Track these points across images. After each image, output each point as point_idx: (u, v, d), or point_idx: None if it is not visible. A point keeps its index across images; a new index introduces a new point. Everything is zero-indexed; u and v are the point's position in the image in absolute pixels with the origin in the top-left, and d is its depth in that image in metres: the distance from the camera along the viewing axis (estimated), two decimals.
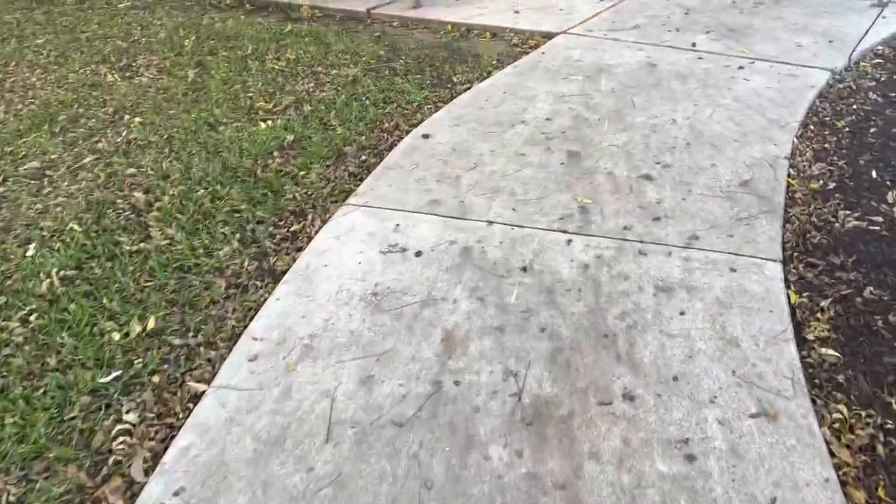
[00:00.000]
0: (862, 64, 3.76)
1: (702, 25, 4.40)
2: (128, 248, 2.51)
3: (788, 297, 2.11)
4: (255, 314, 2.16)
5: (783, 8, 4.67)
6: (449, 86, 3.82)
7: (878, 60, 3.81)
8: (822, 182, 2.73)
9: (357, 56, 4.28)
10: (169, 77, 4.07)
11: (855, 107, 3.30)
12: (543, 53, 4.10)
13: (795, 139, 3.01)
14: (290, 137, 3.27)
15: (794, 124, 3.11)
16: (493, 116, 3.35)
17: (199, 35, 4.74)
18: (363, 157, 3.11)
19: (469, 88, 3.72)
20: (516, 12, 4.90)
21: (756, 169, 2.79)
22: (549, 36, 4.42)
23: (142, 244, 2.53)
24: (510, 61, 4.09)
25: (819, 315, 2.07)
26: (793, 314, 2.06)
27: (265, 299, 2.23)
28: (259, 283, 2.34)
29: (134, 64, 4.33)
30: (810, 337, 1.99)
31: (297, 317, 2.14)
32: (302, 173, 2.97)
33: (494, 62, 4.11)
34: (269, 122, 3.42)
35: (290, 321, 2.13)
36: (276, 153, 3.15)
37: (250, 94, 3.77)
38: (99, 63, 4.34)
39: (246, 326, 2.12)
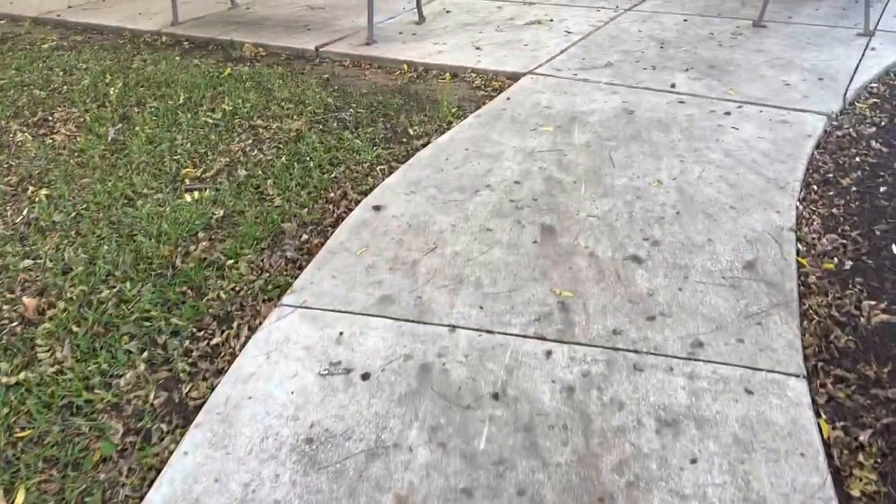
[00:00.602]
0: (858, 105, 3.43)
1: (679, 62, 4.05)
2: (4, 380, 2.02)
3: (820, 430, 1.72)
4: (157, 476, 1.70)
5: (764, 39, 4.35)
6: (404, 140, 3.40)
7: (874, 100, 3.49)
8: (836, 260, 2.35)
9: (302, 105, 3.83)
10: (87, 135, 3.58)
11: (858, 159, 2.96)
12: (509, 99, 3.70)
13: (799, 204, 2.64)
14: (220, 213, 2.81)
15: (795, 184, 2.75)
16: (455, 180, 2.94)
17: (126, 81, 4.25)
18: (304, 237, 2.67)
19: (427, 144, 3.30)
20: (478, 48, 4.50)
21: (759, 245, 2.41)
22: (514, 77, 4.03)
23: (23, 373, 2.05)
24: (472, 108, 3.69)
25: (860, 456, 1.67)
26: (829, 456, 1.67)
27: (171, 451, 1.77)
28: (165, 427, 1.87)
29: (50, 118, 3.83)
30: (855, 493, 1.59)
31: (210, 481, 1.68)
32: (230, 262, 2.51)
33: (455, 109, 3.70)
34: (197, 194, 2.96)
35: (199, 489, 1.67)
36: (201, 234, 2.69)
37: (178, 157, 3.29)
38: (10, 118, 3.84)
39: (142, 498, 1.65)
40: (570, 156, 3.08)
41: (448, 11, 5.43)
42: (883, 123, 3.24)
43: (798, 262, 2.33)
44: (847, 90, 3.52)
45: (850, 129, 3.18)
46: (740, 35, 4.45)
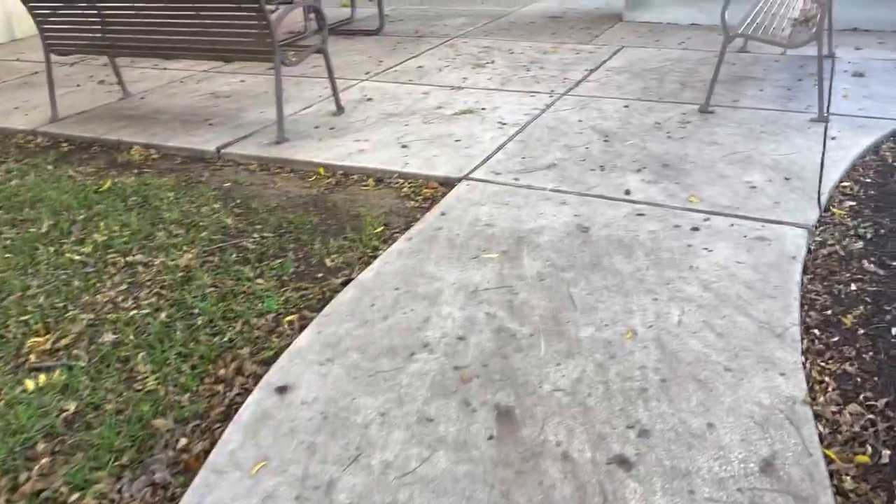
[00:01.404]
0: (835, 211, 3.05)
1: (629, 159, 3.63)
2: None
3: None
4: None
5: (715, 128, 4.00)
6: (320, 276, 2.80)
7: (850, 203, 3.12)
8: (869, 448, 1.87)
9: (195, 229, 3.20)
10: None
11: (855, 287, 2.53)
12: (444, 214, 3.16)
13: (804, 359, 2.17)
14: (71, 407, 2.13)
15: (794, 329, 2.29)
16: (383, 337, 2.35)
17: None
18: (182, 442, 2.01)
19: (348, 281, 2.71)
20: (404, 146, 3.99)
21: (773, 431, 1.90)
22: (447, 183, 3.52)
23: None
24: (402, 226, 3.14)
25: None
26: None
27: None
28: None
29: None
30: None
31: None
32: (73, 499, 1.83)
33: (381, 229, 3.13)
34: (43, 377, 2.26)
35: None
36: (40, 447, 2.00)
37: (27, 317, 2.59)
38: None
39: None
40: (522, 294, 2.54)
41: (369, 99, 4.92)
42: (869, 235, 2.85)
43: (825, 454, 1.83)
44: (819, 192, 3.15)
45: (836, 246, 2.77)
46: (688, 123, 4.09)
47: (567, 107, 4.52)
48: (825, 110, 4.03)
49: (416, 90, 5.08)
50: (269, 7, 6.47)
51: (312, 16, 7.18)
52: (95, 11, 4.32)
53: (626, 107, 4.45)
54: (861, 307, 2.42)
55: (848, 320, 2.36)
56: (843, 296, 2.49)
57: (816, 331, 2.31)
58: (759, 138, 3.81)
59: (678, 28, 6.63)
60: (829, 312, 2.41)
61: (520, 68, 5.51)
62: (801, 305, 2.43)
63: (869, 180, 3.35)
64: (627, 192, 3.25)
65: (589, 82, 5.05)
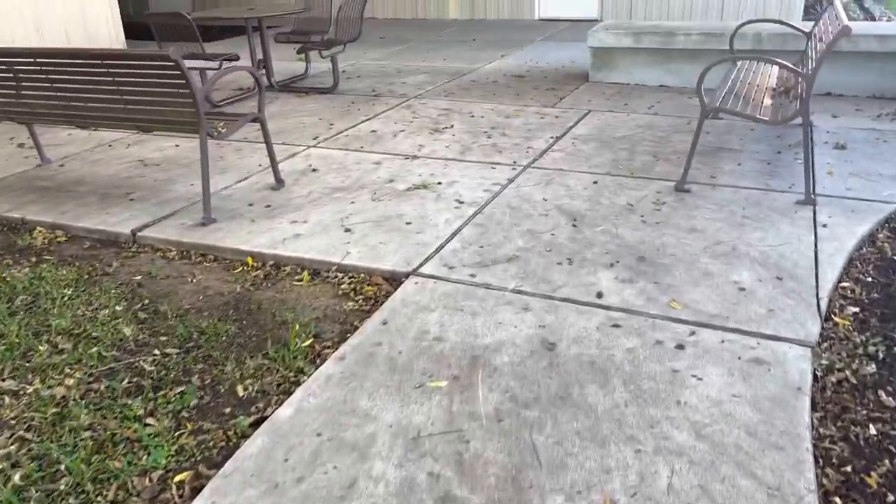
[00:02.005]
0: (840, 322, 2.65)
1: (600, 250, 3.21)
2: None
3: None
4: None
5: (693, 211, 3.62)
6: (227, 412, 2.28)
7: (854, 309, 2.72)
8: None
9: (86, 342, 2.66)
10: None
11: (874, 431, 2.10)
12: (385, 324, 2.68)
13: None
14: None
15: (811, 499, 1.83)
16: None
17: None
18: None
19: (261, 420, 2.20)
20: (347, 230, 3.52)
21: None
22: (393, 279, 3.05)
23: None
24: (335, 338, 2.64)
25: None
26: None
27: None
28: None
29: None
30: None
31: None
32: None
33: (310, 342, 2.63)
34: None
35: None
36: None
37: None
38: None
39: None
40: (475, 443, 2.05)
41: (314, 170, 4.46)
42: (881, 355, 2.44)
43: None
44: (818, 298, 2.75)
45: (846, 371, 2.35)
46: (664, 204, 3.71)
47: (531, 182, 4.11)
48: (811, 191, 3.68)
49: (367, 159, 4.64)
50: (210, 65, 6.04)
51: (263, 70, 6.77)
52: (11, 74, 3.82)
53: (595, 183, 4.06)
54: (886, 460, 1.99)
55: (872, 481, 1.92)
56: (862, 443, 2.05)
57: (838, 500, 1.86)
58: (743, 224, 3.43)
59: (647, 90, 6.35)
60: (848, 469, 1.96)
61: (480, 134, 5.12)
62: (816, 459, 1.98)
63: (870, 279, 2.96)
64: (599, 295, 2.81)
65: (554, 152, 4.67)
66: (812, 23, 5.71)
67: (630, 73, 6.63)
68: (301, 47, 6.38)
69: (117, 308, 2.91)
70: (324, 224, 3.61)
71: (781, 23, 5.28)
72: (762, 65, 4.99)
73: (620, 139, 4.89)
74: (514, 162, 4.49)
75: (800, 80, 3.96)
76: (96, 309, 2.91)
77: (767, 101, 4.07)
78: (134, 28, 11.96)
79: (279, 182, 4.16)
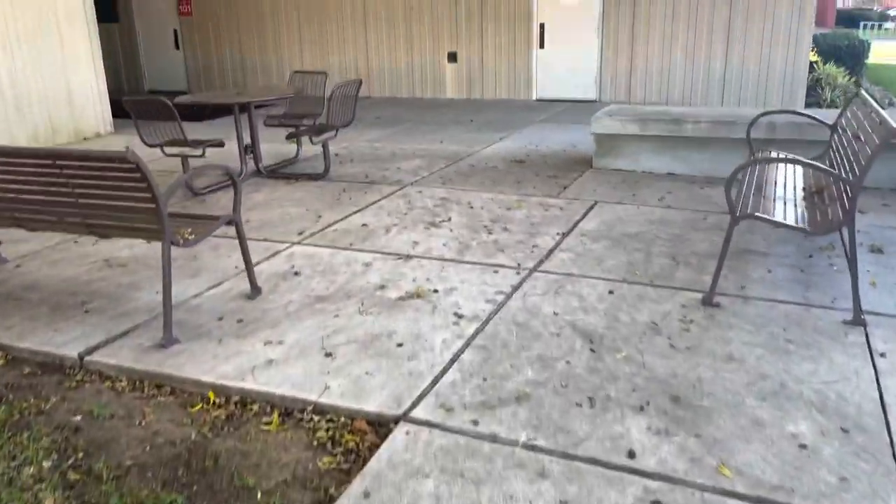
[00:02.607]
0: None
1: (626, 385, 2.73)
2: None
3: None
4: None
5: (727, 332, 3.16)
6: None
7: None
8: None
9: None
10: None
11: None
12: (368, 497, 2.17)
13: None
14: None
15: None
16: None
17: None
18: None
19: None
20: (328, 354, 3.04)
21: None
22: (379, 424, 2.55)
23: None
24: None
25: None
26: None
27: None
28: None
29: None
30: None
31: None
32: None
33: None
34: None
35: None
36: None
37: None
38: None
39: None
40: None
41: (297, 273, 4.02)
42: None
43: None
44: None
45: None
46: (692, 323, 3.25)
47: (538, 290, 3.66)
48: (859, 309, 3.24)
49: (356, 259, 4.21)
50: (193, 152, 5.67)
51: (251, 155, 6.42)
52: None
53: (611, 293, 3.61)
54: None
55: None
56: None
57: None
58: (788, 352, 2.96)
59: (654, 178, 6.00)
60: None
61: (480, 229, 4.72)
62: None
63: None
64: (632, 455, 2.31)
65: (562, 252, 4.24)
66: (820, 107, 5.42)
67: (636, 160, 6.31)
68: (290, 133, 6.05)
69: (44, 464, 2.40)
70: (302, 346, 3.13)
71: (802, 114, 4.95)
72: (783, 156, 4.63)
73: (633, 237, 4.48)
74: (519, 264, 4.05)
75: (840, 183, 3.57)
76: (20, 465, 2.39)
77: (801, 204, 3.67)
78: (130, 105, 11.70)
79: (255, 290, 3.71)
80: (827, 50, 12.73)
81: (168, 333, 3.16)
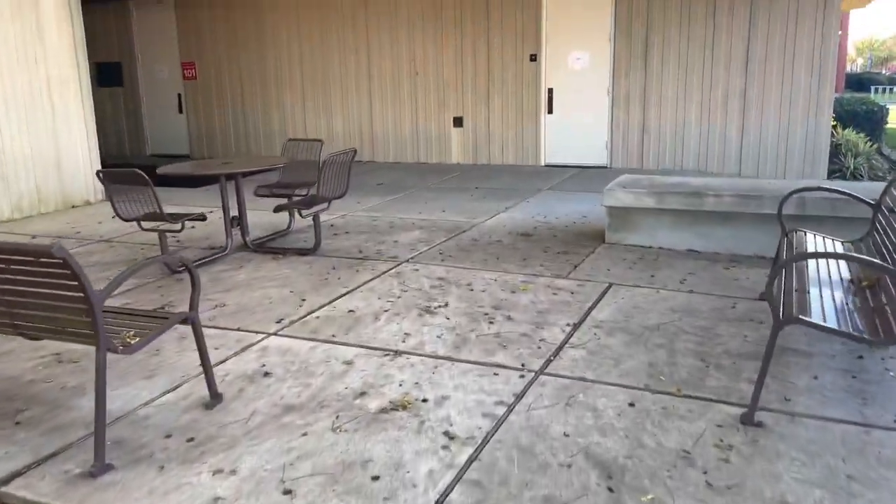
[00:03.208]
0: None
1: None
2: None
3: None
4: None
5: (774, 465, 2.60)
6: None
7: None
8: None
9: None
10: None
11: None
12: None
13: None
14: None
15: None
16: None
17: None
18: None
19: None
20: (287, 492, 2.49)
21: None
22: None
23: None
24: None
25: None
26: None
27: None
28: None
29: None
30: None
31: None
32: None
33: None
34: None
35: None
36: None
37: None
38: None
39: None
40: None
41: (267, 374, 3.50)
42: None
43: None
44: None
45: None
46: (732, 450, 2.70)
47: (546, 400, 3.12)
48: None
49: (337, 356, 3.69)
50: (173, 227, 5.23)
51: (237, 228, 6.00)
52: None
53: (631, 405, 3.06)
54: None
55: None
56: None
57: None
58: (853, 494, 2.39)
59: (674, 256, 5.51)
60: None
61: (481, 317, 4.21)
62: None
63: None
64: None
65: (573, 348, 3.72)
66: (843, 176, 4.94)
67: (653, 236, 5.82)
68: (278, 206, 5.63)
69: None
70: (258, 478, 2.58)
71: (840, 192, 4.46)
72: (821, 240, 4.14)
73: (654, 330, 3.95)
74: (523, 365, 3.52)
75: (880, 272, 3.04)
76: None
77: (852, 302, 3.15)
78: (140, 169, 11.26)
79: (215, 397, 3.19)
80: (843, 115, 12.39)
81: (99, 459, 2.64)
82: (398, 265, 5.41)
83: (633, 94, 9.97)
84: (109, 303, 4.50)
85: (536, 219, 7.02)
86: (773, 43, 9.12)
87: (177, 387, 3.38)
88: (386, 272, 5.23)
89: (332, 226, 6.91)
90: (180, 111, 13.08)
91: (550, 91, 10.43)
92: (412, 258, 5.61)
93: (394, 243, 6.12)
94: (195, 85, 12.82)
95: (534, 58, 10.37)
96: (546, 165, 10.65)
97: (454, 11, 10.70)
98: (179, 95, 12.99)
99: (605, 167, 10.27)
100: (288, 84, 12.09)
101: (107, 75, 13.54)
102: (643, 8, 9.65)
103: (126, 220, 5.21)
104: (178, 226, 5.15)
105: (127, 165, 11.99)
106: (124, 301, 4.67)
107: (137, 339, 2.81)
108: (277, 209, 5.64)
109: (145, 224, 5.24)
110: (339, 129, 11.87)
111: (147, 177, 4.89)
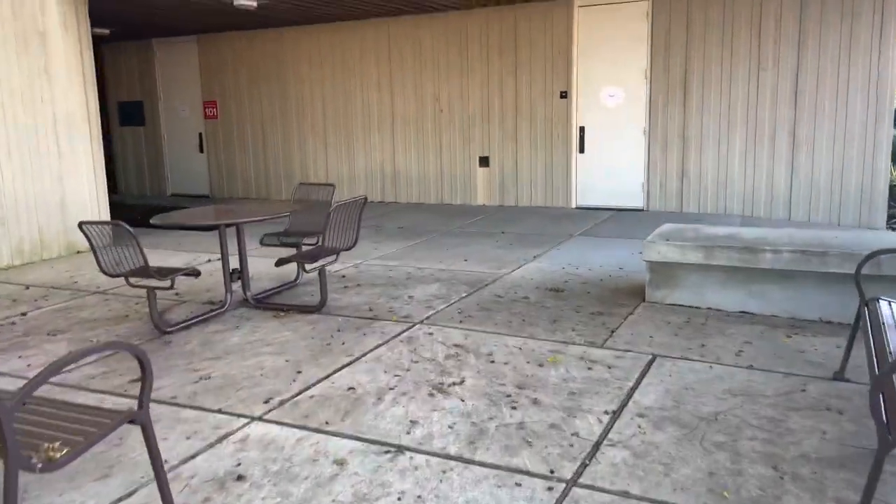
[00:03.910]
0: None
1: None
2: None
3: None
4: None
5: None
6: None
7: None
8: None
9: None
10: None
11: None
12: None
13: None
14: None
15: None
16: None
17: None
18: None
19: None
20: None
21: None
22: None
23: None
24: None
25: None
26: None
27: None
28: None
29: None
30: None
31: None
32: None
33: None
34: None
35: None
36: None
37: None
38: None
39: None
40: None
41: (240, 477, 2.90)
42: None
43: None
44: None
45: None
46: None
47: None
48: None
49: (327, 452, 3.08)
50: (161, 284, 4.65)
51: (239, 283, 5.48)
52: None
53: None
54: None
55: None
56: None
57: None
58: None
59: (725, 319, 4.82)
60: None
61: (501, 400, 3.57)
62: None
63: None
64: None
65: (612, 447, 3.06)
66: None
67: (700, 294, 5.15)
68: (280, 260, 5.10)
69: None
70: None
71: None
72: None
73: (711, 422, 3.27)
74: (552, 471, 2.87)
75: None
76: None
77: None
78: (152, 211, 10.53)
79: None
80: None
81: None
82: (411, 327, 4.82)
83: (671, 132, 9.34)
84: (64, 378, 3.98)
85: (567, 270, 6.39)
86: (825, 76, 8.45)
87: (132, 492, 2.81)
88: (396, 336, 4.64)
89: (343, 277, 6.36)
90: (201, 150, 12.80)
91: (582, 129, 9.86)
92: (427, 318, 5.01)
93: (408, 299, 5.53)
94: (216, 124, 12.54)
95: (564, 94, 9.84)
96: (577, 207, 10.03)
97: (480, 46, 10.26)
98: (200, 135, 12.72)
99: (642, 210, 9.61)
100: (309, 122, 11.73)
101: (128, 114, 13.36)
102: (681, 41, 9.08)
103: (112, 277, 4.71)
104: (166, 283, 4.64)
105: (147, 206, 11.69)
106: (96, 370, 4.13)
107: (65, 450, 2.24)
108: (280, 262, 5.10)
109: (133, 280, 4.74)
110: (360, 168, 11.43)
111: (131, 229, 4.40)
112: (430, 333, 4.68)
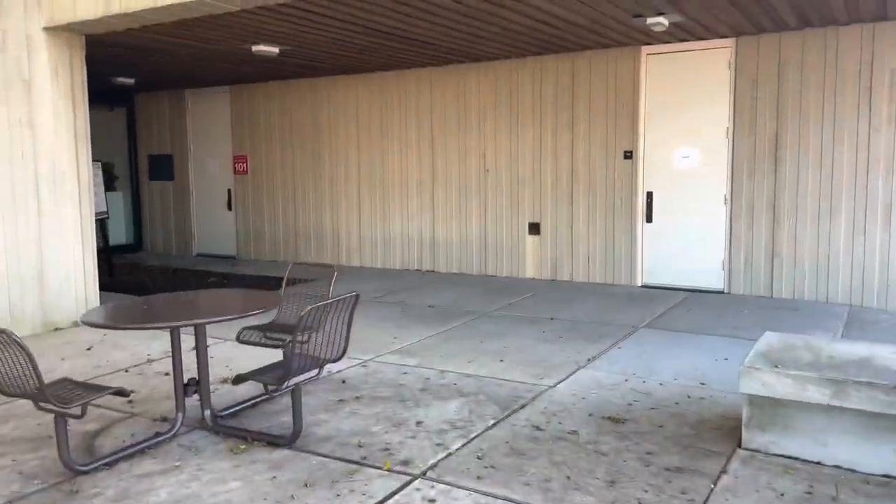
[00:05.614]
0: None
1: None
2: None
3: None
4: None
5: None
6: None
7: None
8: None
9: None
10: None
11: None
12: None
13: None
14: None
15: None
16: None
17: None
18: None
19: None
20: None
21: None
22: None
23: None
24: None
25: None
26: None
27: None
28: None
29: None
30: None
31: None
32: None
33: None
34: None
35: None
36: None
37: None
38: None
39: None
40: None
41: None
42: None
43: None
44: None
45: None
46: None
47: None
48: None
49: None
50: (69, 415, 3.31)
51: (195, 396, 4.22)
52: None
53: None
54: None
55: None
56: None
57: None
58: None
59: (863, 487, 3.26)
60: None
61: None
62: None
63: None
64: None
65: None
66: None
67: (822, 445, 3.60)
68: (238, 377, 3.83)
69: None
70: None
71: None
72: None
73: None
74: None
75: None
76: None
77: None
78: (167, 275, 9.01)
79: None
80: None
81: None
82: (408, 484, 3.42)
83: (758, 202, 7.80)
84: None
85: (631, 384, 4.89)
86: None
87: None
88: (390, 496, 3.26)
89: (343, 382, 5.04)
90: (229, 208, 11.89)
91: (650, 195, 8.41)
92: (433, 467, 3.61)
93: (416, 427, 4.15)
94: (246, 180, 11.64)
95: (629, 154, 8.46)
96: (643, 286, 8.51)
97: (533, 98, 9.02)
98: (229, 191, 11.84)
99: (722, 292, 8.03)
100: (343, 181, 10.67)
101: (157, 169, 12.64)
102: (772, 95, 7.61)
103: (8, 396, 3.52)
104: (76, 410, 3.41)
105: (166, 268, 10.70)
106: None
107: None
108: (237, 380, 3.82)
109: (42, 403, 3.54)
110: (396, 232, 10.23)
111: (20, 341, 3.20)
112: (433, 500, 3.27)
